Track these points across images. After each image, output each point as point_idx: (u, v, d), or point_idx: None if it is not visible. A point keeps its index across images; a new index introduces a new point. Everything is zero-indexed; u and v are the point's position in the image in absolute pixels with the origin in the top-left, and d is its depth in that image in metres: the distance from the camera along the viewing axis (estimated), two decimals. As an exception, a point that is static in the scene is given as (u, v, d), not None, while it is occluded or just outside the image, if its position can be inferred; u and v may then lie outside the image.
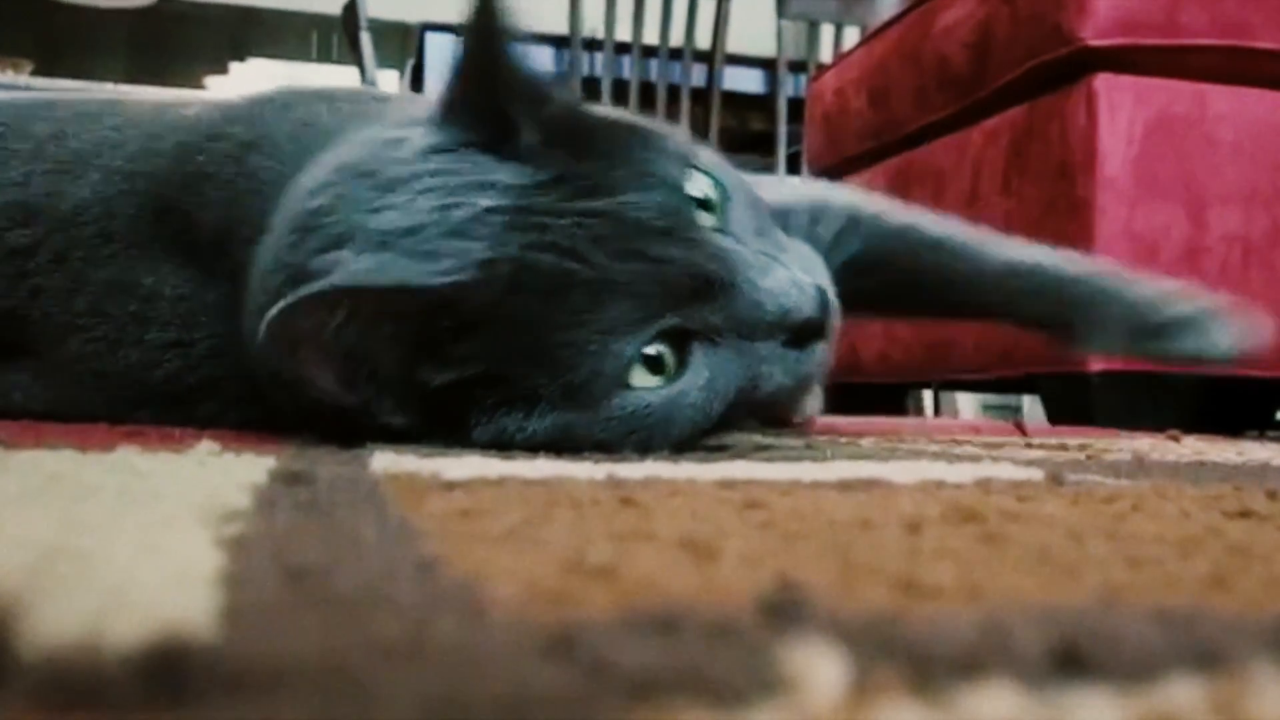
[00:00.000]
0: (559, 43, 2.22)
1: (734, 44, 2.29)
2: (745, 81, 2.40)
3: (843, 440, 0.74)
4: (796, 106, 2.20)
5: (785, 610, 0.19)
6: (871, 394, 1.72)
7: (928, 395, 2.29)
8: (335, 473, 0.39)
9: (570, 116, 0.56)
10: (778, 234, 0.60)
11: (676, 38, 2.24)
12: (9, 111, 0.76)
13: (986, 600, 0.21)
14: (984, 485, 0.42)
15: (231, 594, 0.20)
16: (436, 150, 0.55)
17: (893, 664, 0.16)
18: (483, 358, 0.52)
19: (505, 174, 0.53)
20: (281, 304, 0.47)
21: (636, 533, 0.28)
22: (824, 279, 0.59)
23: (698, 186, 0.56)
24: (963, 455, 0.62)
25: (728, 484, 0.40)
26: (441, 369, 0.52)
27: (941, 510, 0.33)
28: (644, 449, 0.52)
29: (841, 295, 0.62)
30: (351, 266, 0.51)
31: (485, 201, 0.52)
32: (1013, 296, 0.73)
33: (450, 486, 0.37)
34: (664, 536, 0.27)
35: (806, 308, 0.54)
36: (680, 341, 0.53)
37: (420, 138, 0.55)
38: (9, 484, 0.34)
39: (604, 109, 0.60)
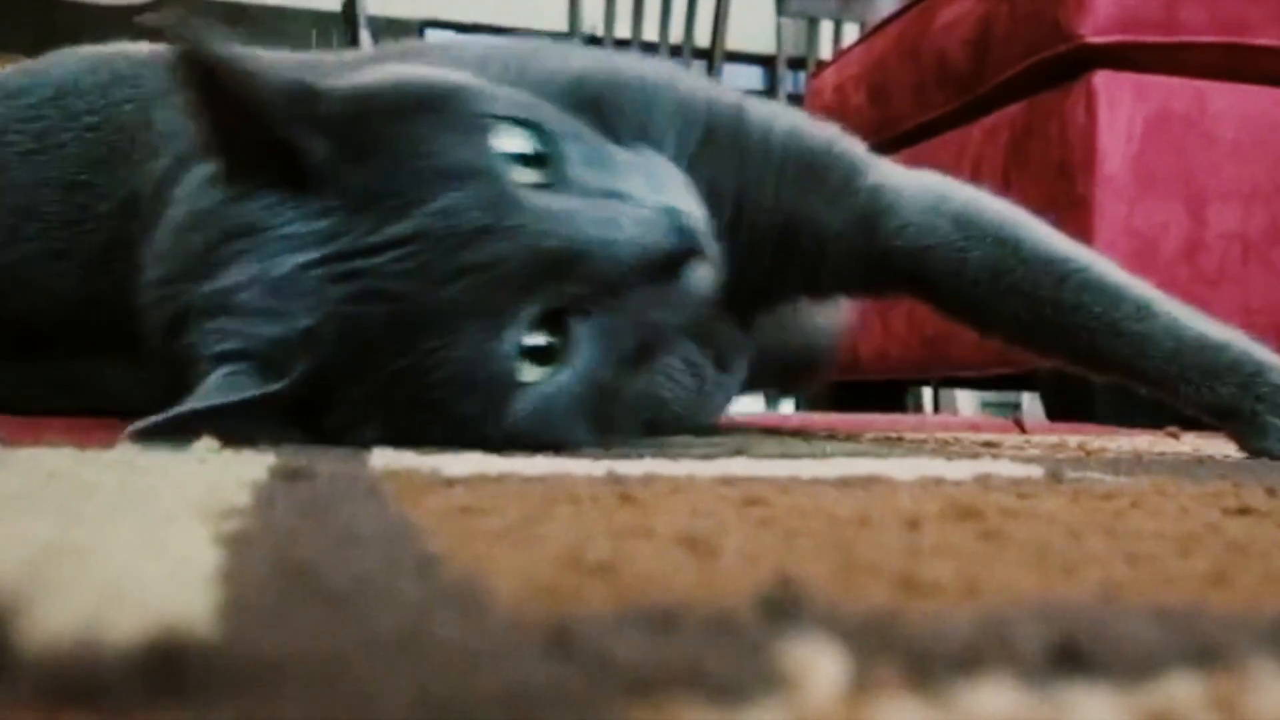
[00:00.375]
0: (558, 40, 2.22)
1: (733, 41, 2.29)
2: (744, 78, 2.40)
3: (842, 436, 0.74)
4: (796, 103, 2.20)
5: (784, 607, 0.19)
6: (870, 391, 1.73)
7: (927, 393, 2.29)
8: (335, 469, 0.39)
9: (349, 107, 0.51)
10: (613, 152, 0.54)
11: (676, 35, 2.24)
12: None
13: (985, 597, 0.21)
14: (983, 482, 0.42)
15: (230, 590, 0.20)
16: (236, 200, 0.51)
17: (892, 660, 0.16)
18: (359, 410, 0.50)
19: (306, 216, 0.49)
20: (142, 427, 0.46)
21: (636, 529, 0.28)
22: (676, 193, 0.54)
23: (512, 142, 0.51)
24: (962, 452, 0.62)
25: (727, 481, 0.40)
26: (326, 419, 0.50)
27: (940, 507, 0.33)
28: (563, 436, 0.51)
29: (981, 317, 0.61)
30: (196, 396, 0.48)
31: (297, 258, 0.49)
32: (1185, 374, 0.63)
33: (450, 483, 0.37)
34: (663, 533, 0.27)
35: (663, 240, 0.51)
36: (557, 322, 0.51)
37: (220, 184, 0.52)
38: (9, 481, 0.34)
39: (382, 71, 0.55)
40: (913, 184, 0.70)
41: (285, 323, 0.49)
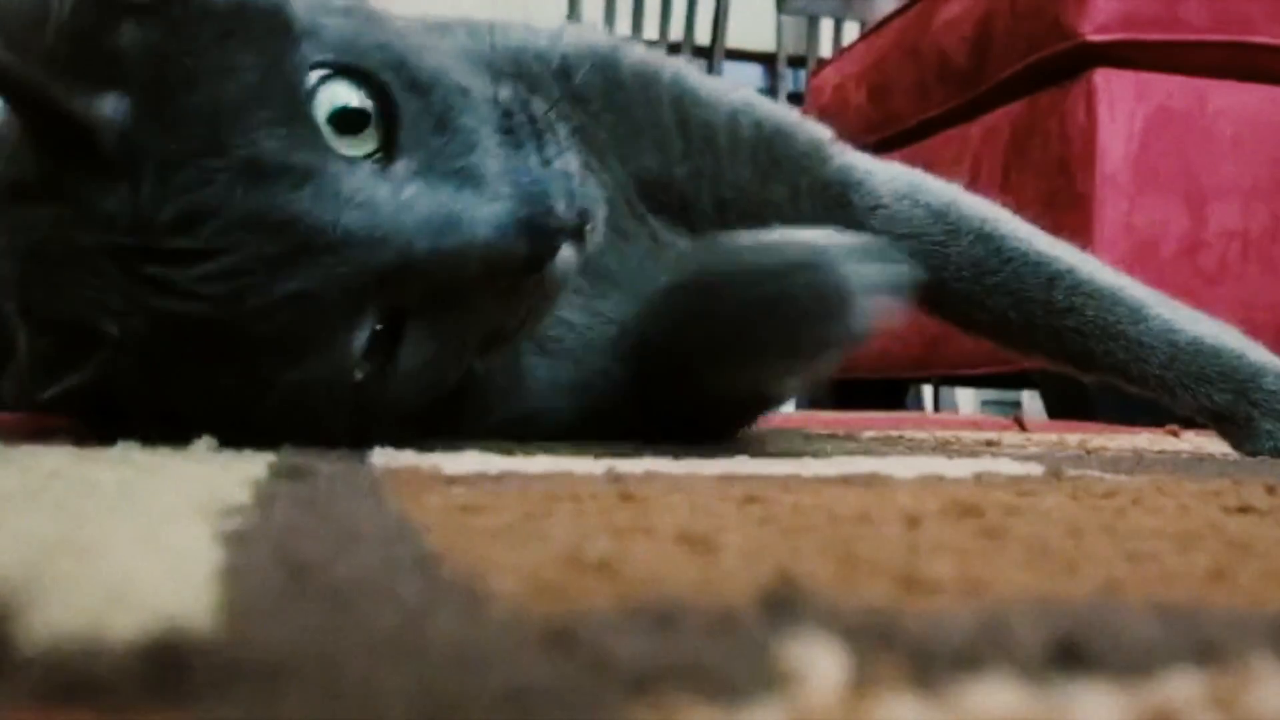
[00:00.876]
0: (558, 38, 2.22)
1: (733, 39, 2.29)
2: (745, 77, 2.39)
3: (842, 435, 0.74)
4: (796, 102, 2.19)
5: (785, 605, 0.19)
6: (870, 390, 1.72)
7: (927, 391, 2.29)
8: (335, 468, 0.39)
9: (162, 34, 0.43)
10: (471, 119, 0.46)
11: (676, 33, 2.23)
12: None
13: (986, 595, 0.21)
14: (983, 480, 0.42)
15: (231, 588, 0.20)
16: (20, 193, 0.44)
17: (893, 659, 0.16)
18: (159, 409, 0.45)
19: (96, 196, 0.42)
20: None
21: (636, 527, 0.28)
22: (548, 171, 0.46)
23: (340, 96, 0.44)
24: (962, 450, 0.62)
25: (727, 479, 0.40)
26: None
27: (941, 505, 0.33)
28: (388, 433, 0.47)
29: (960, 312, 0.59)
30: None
31: (95, 240, 0.42)
32: (1180, 379, 0.62)
33: (450, 481, 0.37)
34: (664, 531, 0.27)
35: (514, 244, 0.43)
36: (394, 321, 0.45)
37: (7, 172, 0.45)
38: (8, 479, 0.34)
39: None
40: (885, 169, 0.67)
41: (81, 310, 0.43)
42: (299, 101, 0.43)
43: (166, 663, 0.15)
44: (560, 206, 0.45)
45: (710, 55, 2.25)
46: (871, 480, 0.41)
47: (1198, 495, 0.38)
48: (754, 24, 2.41)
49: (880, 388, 1.75)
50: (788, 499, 0.34)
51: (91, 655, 0.15)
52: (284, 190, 0.42)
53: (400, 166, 0.44)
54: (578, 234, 0.46)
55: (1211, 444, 0.74)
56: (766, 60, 2.39)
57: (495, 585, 0.21)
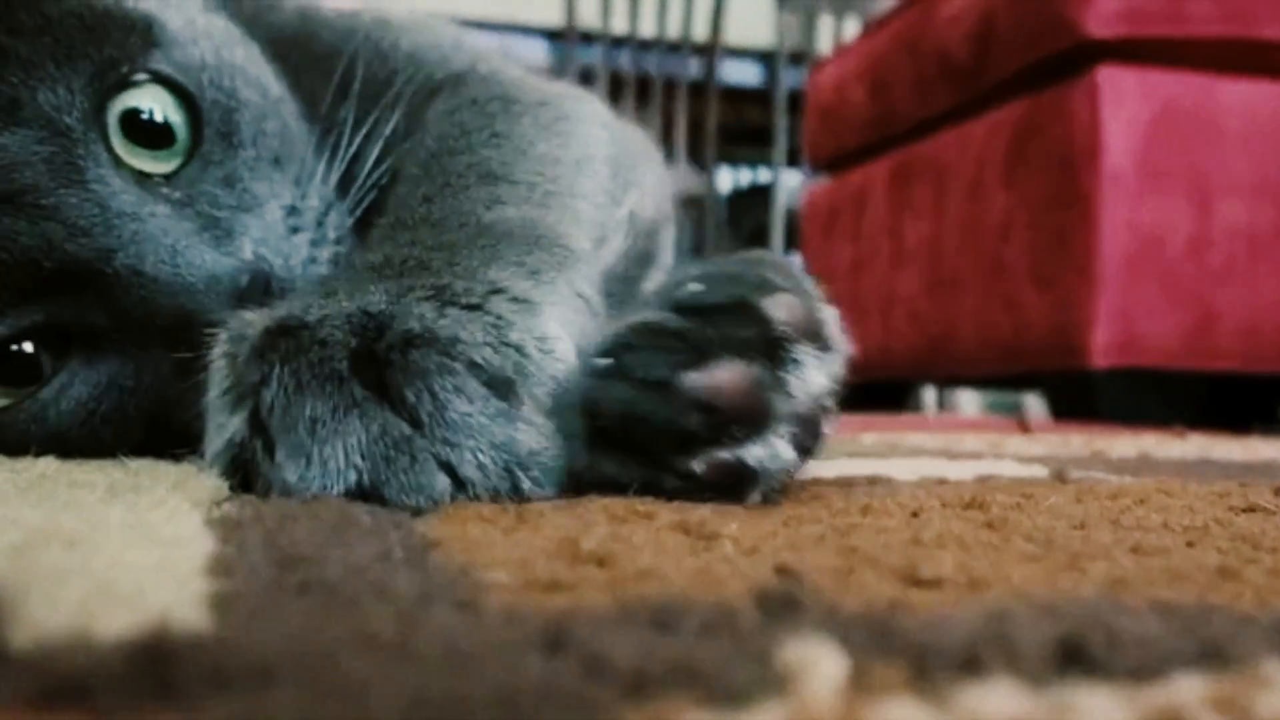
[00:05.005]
0: (555, 36, 2.21)
1: (732, 36, 2.28)
2: (743, 74, 2.39)
3: (845, 438, 0.74)
4: (796, 100, 2.19)
5: (783, 604, 0.19)
6: (873, 391, 1.72)
7: (930, 392, 2.29)
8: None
9: None
10: (259, 161, 0.43)
11: (674, 30, 2.23)
12: None
13: (989, 594, 0.21)
14: (986, 482, 0.42)
15: (222, 582, 0.20)
16: None
17: (892, 660, 0.16)
18: None
19: None
20: None
21: (633, 519, 0.28)
22: (279, 233, 0.42)
23: (147, 99, 0.41)
24: (965, 452, 0.62)
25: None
26: None
27: (943, 506, 0.33)
28: None
29: None
30: None
31: None
32: None
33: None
34: (661, 522, 0.27)
35: (215, 307, 0.39)
36: (60, 342, 0.41)
37: None
38: None
39: None
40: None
41: None
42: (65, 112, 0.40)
43: (156, 661, 0.15)
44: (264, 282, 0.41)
45: (709, 52, 2.25)
46: (873, 483, 0.41)
47: (1204, 496, 0.38)
48: (753, 21, 2.41)
49: (883, 389, 1.75)
50: (789, 498, 0.34)
51: (80, 654, 0.15)
52: (36, 146, 0.39)
53: (171, 188, 0.41)
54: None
55: (1218, 446, 0.74)
56: (765, 57, 2.39)
57: (489, 578, 0.21)
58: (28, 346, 0.40)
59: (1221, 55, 1.23)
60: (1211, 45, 1.22)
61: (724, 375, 0.31)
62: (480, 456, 0.30)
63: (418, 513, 0.29)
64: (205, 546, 0.23)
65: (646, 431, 0.31)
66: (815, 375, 0.33)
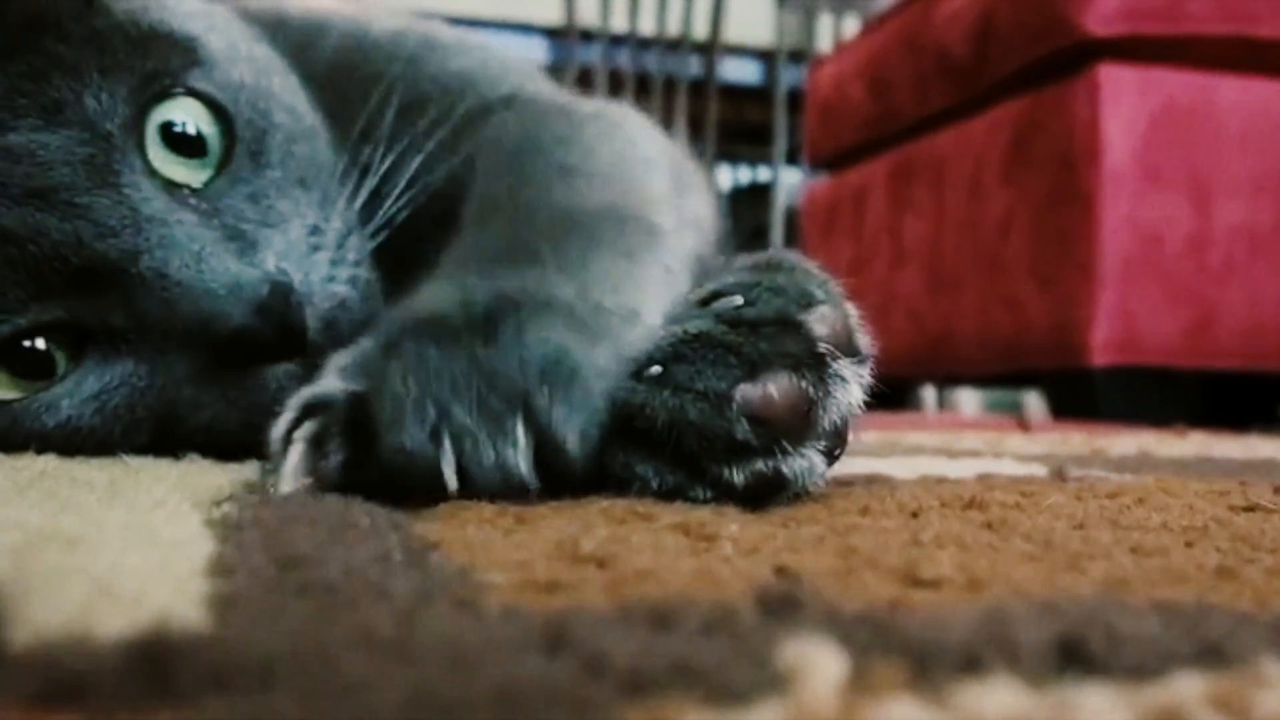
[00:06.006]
0: (554, 34, 2.21)
1: (732, 34, 2.28)
2: (743, 72, 2.39)
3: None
4: (796, 98, 2.19)
5: (783, 604, 0.19)
6: (872, 390, 1.72)
7: (930, 391, 2.28)
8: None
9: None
10: (286, 179, 0.44)
11: (674, 28, 2.23)
12: None
13: (989, 594, 0.21)
14: (986, 481, 0.42)
15: (222, 583, 0.20)
16: None
17: (892, 659, 0.16)
18: None
19: None
20: None
21: (633, 520, 0.28)
22: (310, 261, 0.43)
23: (180, 112, 0.43)
24: (964, 451, 0.62)
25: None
26: None
27: (942, 504, 0.33)
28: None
29: None
30: None
31: None
32: None
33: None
34: (661, 523, 0.27)
35: (235, 314, 0.40)
36: (77, 340, 0.41)
37: None
38: None
39: None
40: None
41: None
42: (106, 113, 0.41)
43: (155, 661, 0.15)
44: (306, 312, 0.42)
45: (708, 50, 2.25)
46: (872, 482, 0.41)
47: (1204, 495, 0.38)
48: (752, 19, 2.40)
49: (883, 388, 1.75)
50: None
51: (80, 654, 0.15)
52: (70, 141, 0.40)
53: (200, 199, 0.42)
54: (299, 349, 0.42)
55: (1218, 444, 0.74)
56: (765, 55, 2.39)
57: (489, 579, 0.21)
58: (40, 343, 0.41)
59: (1222, 54, 1.23)
60: (1212, 44, 1.22)
61: (776, 389, 0.32)
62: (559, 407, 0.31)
63: (417, 514, 0.29)
64: (205, 547, 0.23)
65: (694, 439, 0.32)
66: (854, 389, 0.34)
